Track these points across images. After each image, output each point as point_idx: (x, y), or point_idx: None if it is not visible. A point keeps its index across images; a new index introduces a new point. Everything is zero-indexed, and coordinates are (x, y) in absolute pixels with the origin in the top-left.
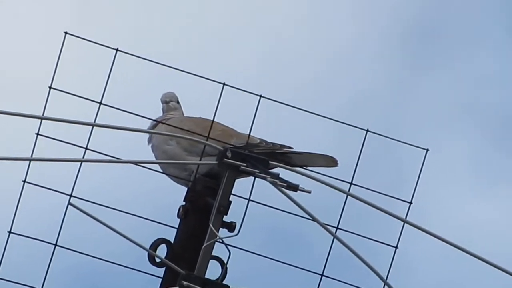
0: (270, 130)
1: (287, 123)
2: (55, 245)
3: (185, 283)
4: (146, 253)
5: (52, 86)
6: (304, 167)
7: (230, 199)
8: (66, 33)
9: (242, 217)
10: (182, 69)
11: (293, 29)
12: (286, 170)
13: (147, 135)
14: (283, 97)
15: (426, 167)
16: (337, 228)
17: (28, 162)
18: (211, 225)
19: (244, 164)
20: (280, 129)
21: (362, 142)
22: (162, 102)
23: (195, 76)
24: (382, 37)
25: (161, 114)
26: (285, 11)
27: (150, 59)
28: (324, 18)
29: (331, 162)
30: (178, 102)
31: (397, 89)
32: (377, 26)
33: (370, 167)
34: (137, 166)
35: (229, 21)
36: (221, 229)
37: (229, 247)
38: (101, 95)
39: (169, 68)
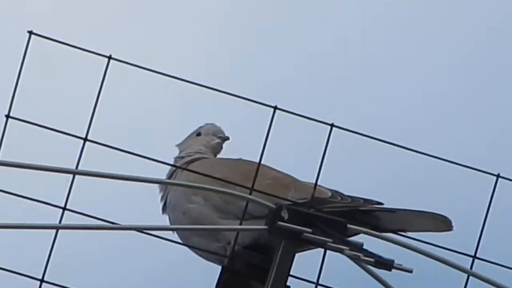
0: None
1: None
2: None
3: None
4: None
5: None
6: (400, 233)
7: (288, 284)
8: (30, 32)
9: None
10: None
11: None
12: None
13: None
14: None
15: None
16: None
17: None
18: None
19: (310, 230)
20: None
21: None
22: (213, 134)
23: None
24: None
25: (176, 152)
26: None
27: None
28: None
29: (441, 224)
30: None
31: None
32: None
33: None
34: (144, 235)
35: None
36: None
37: None
38: (86, 132)
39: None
